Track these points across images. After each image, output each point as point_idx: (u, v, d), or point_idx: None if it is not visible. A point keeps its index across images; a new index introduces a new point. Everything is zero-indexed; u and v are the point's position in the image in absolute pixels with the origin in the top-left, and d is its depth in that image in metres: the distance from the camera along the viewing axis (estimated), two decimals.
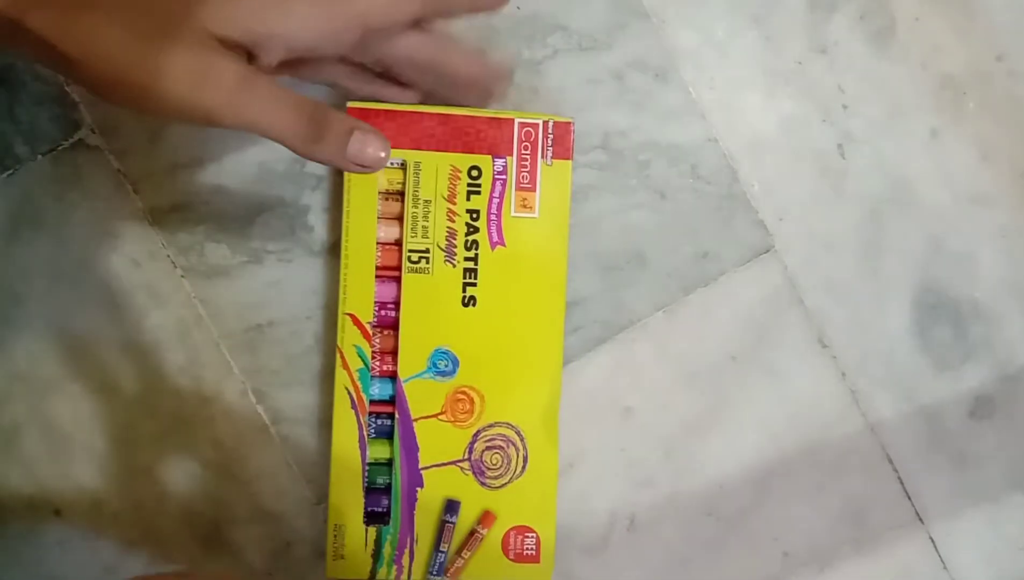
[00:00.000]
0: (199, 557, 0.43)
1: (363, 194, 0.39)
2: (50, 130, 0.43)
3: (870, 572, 0.47)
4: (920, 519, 0.47)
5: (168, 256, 0.43)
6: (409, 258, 0.39)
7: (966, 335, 0.47)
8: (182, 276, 0.43)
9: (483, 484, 0.40)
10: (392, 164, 0.39)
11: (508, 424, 0.40)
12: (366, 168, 0.32)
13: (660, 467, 0.46)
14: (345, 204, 0.39)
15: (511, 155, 0.39)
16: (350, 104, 0.38)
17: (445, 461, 0.40)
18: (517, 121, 0.39)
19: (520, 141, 0.39)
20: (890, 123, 0.46)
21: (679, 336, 0.45)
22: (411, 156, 0.39)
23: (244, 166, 0.43)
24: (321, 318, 0.43)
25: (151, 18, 0.28)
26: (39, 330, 0.43)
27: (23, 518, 0.43)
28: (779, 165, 0.46)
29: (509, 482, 0.40)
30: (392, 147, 0.36)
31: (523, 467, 0.40)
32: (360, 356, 0.39)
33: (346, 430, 0.40)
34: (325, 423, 0.43)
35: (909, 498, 0.47)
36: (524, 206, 0.40)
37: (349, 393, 0.39)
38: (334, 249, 0.43)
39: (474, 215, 0.39)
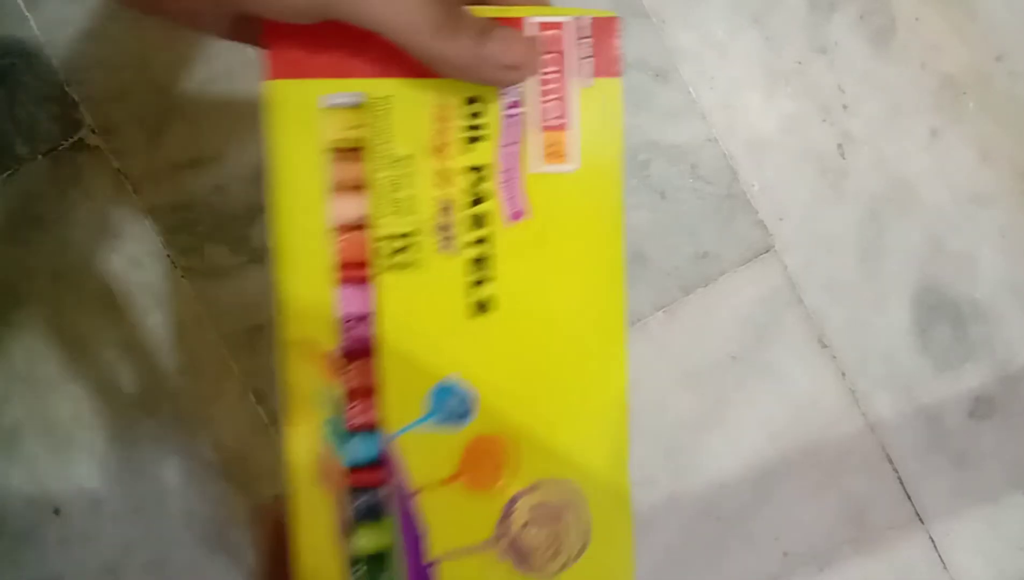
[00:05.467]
0: (199, 557, 0.43)
1: (300, 154, 0.26)
2: (50, 130, 0.43)
3: (870, 572, 0.46)
4: (920, 519, 0.47)
5: (168, 256, 0.43)
6: (385, 248, 0.26)
7: (966, 335, 0.47)
8: (182, 276, 0.43)
9: (527, 571, 0.27)
10: (345, 102, 0.26)
11: (559, 480, 0.28)
12: (512, 72, 0.25)
13: (660, 467, 0.46)
14: (273, 171, 0.26)
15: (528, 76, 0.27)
16: None
17: (468, 545, 0.27)
18: (530, 23, 0.26)
19: (542, 52, 0.26)
20: (890, 123, 0.46)
21: (679, 336, 0.45)
22: (374, 87, 0.26)
23: (244, 166, 0.43)
24: None
25: None
26: (39, 330, 0.43)
27: (23, 518, 0.43)
28: (779, 165, 0.46)
29: (566, 564, 0.28)
30: (343, 74, 0.26)
31: (586, 539, 0.28)
32: (325, 403, 0.26)
33: (314, 514, 0.26)
34: None
35: (909, 498, 0.47)
36: (555, 154, 0.27)
37: (314, 458, 0.27)
38: None
39: (479, 174, 0.27)
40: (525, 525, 0.27)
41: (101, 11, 0.43)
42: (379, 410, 0.27)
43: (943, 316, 0.47)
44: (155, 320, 0.43)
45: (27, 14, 0.43)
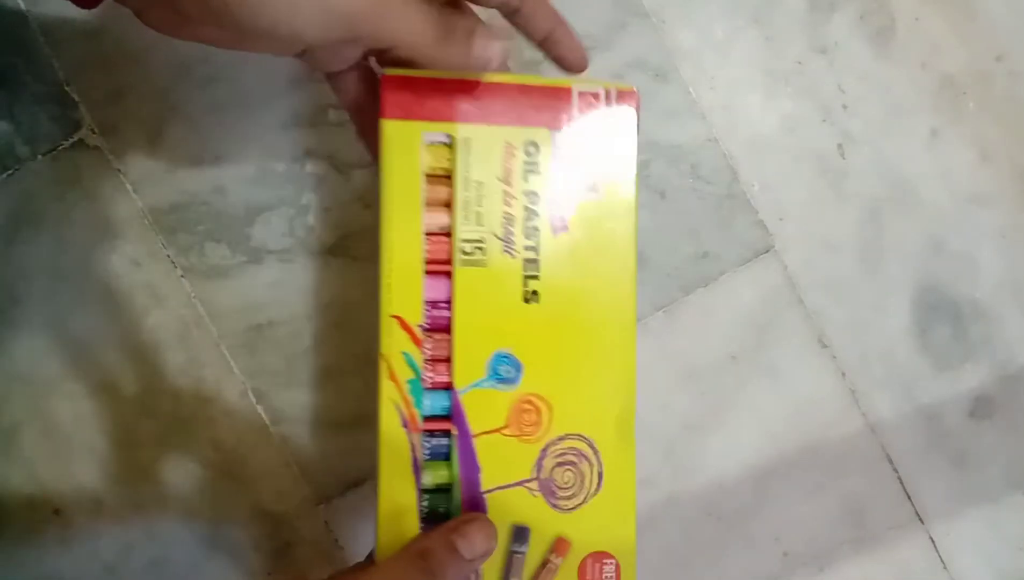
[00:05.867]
0: (199, 557, 0.43)
1: (404, 177, 0.34)
2: (50, 130, 0.43)
3: (870, 572, 0.47)
4: (920, 519, 0.47)
5: (168, 256, 0.43)
6: (462, 249, 0.34)
7: (966, 335, 0.47)
8: (182, 276, 0.43)
9: (554, 506, 0.35)
10: (437, 141, 0.34)
11: (580, 435, 0.35)
12: (488, 65, 0.32)
13: (660, 467, 0.46)
14: (383, 188, 0.33)
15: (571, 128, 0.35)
16: (385, 71, 0.34)
17: (511, 482, 0.35)
18: (576, 89, 0.35)
19: (581, 112, 0.35)
20: (890, 123, 0.46)
21: (679, 336, 0.45)
22: (459, 131, 0.34)
23: (244, 166, 0.43)
24: (321, 318, 0.43)
25: None
26: (39, 330, 0.43)
27: (23, 518, 0.43)
28: (779, 165, 0.46)
29: (583, 503, 0.35)
30: (437, 119, 0.34)
31: (598, 485, 0.36)
32: (410, 365, 0.34)
33: (396, 452, 0.34)
34: (325, 423, 0.43)
35: (909, 498, 0.47)
36: (587, 186, 0.36)
37: (398, 409, 0.34)
38: (334, 249, 0.43)
39: (533, 198, 0.35)
40: (554, 468, 0.35)
41: (101, 11, 0.43)
42: (450, 373, 0.34)
43: (943, 316, 0.47)
44: (155, 320, 0.43)
45: (27, 14, 0.43)
